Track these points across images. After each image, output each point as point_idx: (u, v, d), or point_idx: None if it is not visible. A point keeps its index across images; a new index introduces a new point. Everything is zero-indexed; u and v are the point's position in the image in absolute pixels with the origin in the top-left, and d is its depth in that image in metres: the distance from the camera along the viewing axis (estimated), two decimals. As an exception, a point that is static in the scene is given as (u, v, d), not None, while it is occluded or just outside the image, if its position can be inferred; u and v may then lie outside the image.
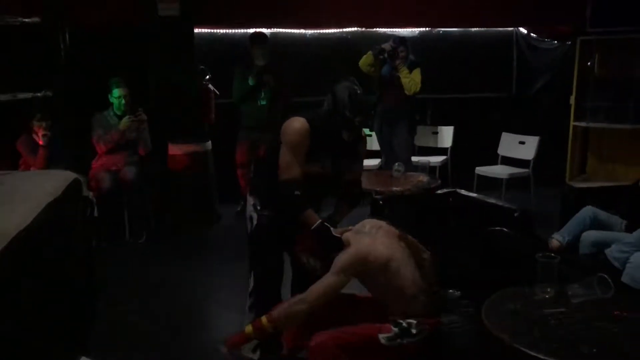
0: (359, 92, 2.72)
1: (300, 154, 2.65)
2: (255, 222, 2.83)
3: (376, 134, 5.86)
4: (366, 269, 2.32)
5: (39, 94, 2.94)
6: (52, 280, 2.46)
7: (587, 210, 3.45)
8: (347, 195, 2.93)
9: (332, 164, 2.74)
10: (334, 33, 6.66)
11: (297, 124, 2.69)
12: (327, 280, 2.30)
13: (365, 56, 5.53)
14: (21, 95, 2.90)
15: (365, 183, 4.33)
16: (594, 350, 1.81)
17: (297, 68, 6.37)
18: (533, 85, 6.92)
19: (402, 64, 5.42)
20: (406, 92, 5.43)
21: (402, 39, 5.63)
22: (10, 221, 2.14)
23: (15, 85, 2.98)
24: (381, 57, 5.45)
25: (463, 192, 3.70)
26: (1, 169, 3.28)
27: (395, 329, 2.17)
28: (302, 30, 6.58)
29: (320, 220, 2.61)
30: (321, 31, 6.61)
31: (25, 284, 2.10)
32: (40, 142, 4.54)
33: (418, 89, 5.46)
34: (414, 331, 2.16)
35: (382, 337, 2.18)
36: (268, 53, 5.43)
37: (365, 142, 2.96)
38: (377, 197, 3.68)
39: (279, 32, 6.45)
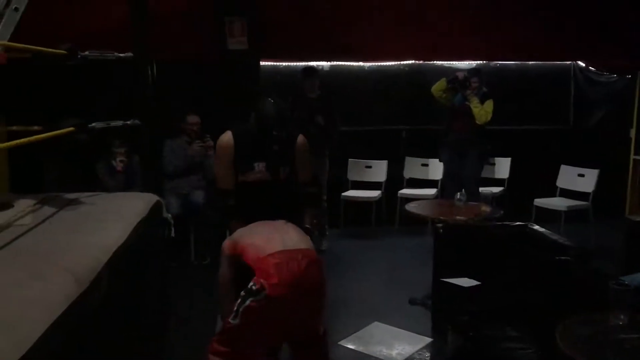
0: (280, 109, 3.08)
1: (225, 163, 3.03)
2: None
3: (444, 162, 5.90)
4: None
5: (128, 122, 3.18)
6: (138, 294, 2.65)
7: None
8: (306, 196, 3.16)
9: (267, 169, 3.02)
10: (392, 65, 6.84)
11: (223, 137, 3.06)
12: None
13: (438, 82, 5.60)
14: (113, 124, 3.15)
15: (426, 211, 4.46)
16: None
17: (355, 99, 6.58)
18: (591, 118, 6.91)
19: (473, 94, 5.48)
20: (477, 121, 5.46)
21: (476, 70, 5.71)
22: (110, 237, 2.35)
23: (107, 113, 3.24)
24: (452, 85, 5.51)
25: (536, 227, 3.70)
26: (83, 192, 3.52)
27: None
28: (361, 63, 6.78)
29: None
30: (379, 64, 6.80)
31: (119, 296, 2.29)
32: (118, 168, 4.85)
33: (489, 119, 5.48)
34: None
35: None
36: (317, 86, 5.61)
37: (303, 144, 3.14)
38: (438, 225, 3.75)
39: (338, 65, 6.68)
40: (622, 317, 2.08)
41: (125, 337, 2.35)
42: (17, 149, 3.07)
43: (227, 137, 3.05)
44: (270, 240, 2.52)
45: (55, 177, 5.47)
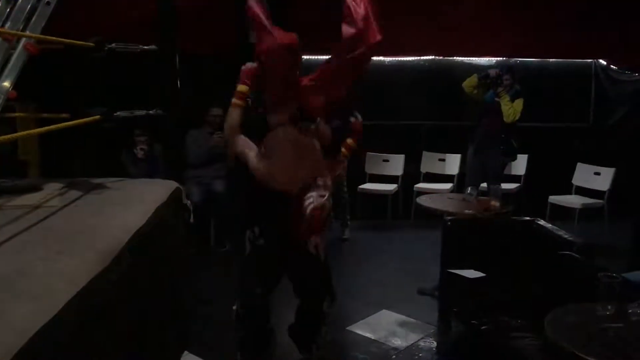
0: None
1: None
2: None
3: (469, 156, 5.96)
4: None
5: (152, 112, 3.35)
6: (159, 276, 2.81)
7: None
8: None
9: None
10: (412, 61, 6.91)
11: None
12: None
13: (469, 78, 5.63)
14: (137, 113, 3.31)
15: (437, 205, 4.55)
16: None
17: (375, 94, 6.67)
18: (611, 117, 6.90)
19: (505, 91, 5.51)
20: (505, 119, 5.50)
21: (509, 67, 5.74)
22: (131, 219, 2.51)
23: (131, 103, 3.41)
24: (484, 81, 5.54)
25: (541, 221, 3.78)
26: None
27: None
28: (381, 58, 6.86)
29: None
30: (399, 59, 6.87)
31: (140, 278, 2.44)
32: (139, 155, 5.04)
33: (517, 118, 5.51)
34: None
35: None
36: None
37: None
38: (446, 218, 3.86)
39: (359, 59, 6.77)
40: (609, 307, 2.18)
41: (145, 319, 2.51)
42: (47, 136, 3.27)
43: None
44: None
45: (83, 163, 5.69)
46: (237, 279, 2.98)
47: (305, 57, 6.59)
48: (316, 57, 6.53)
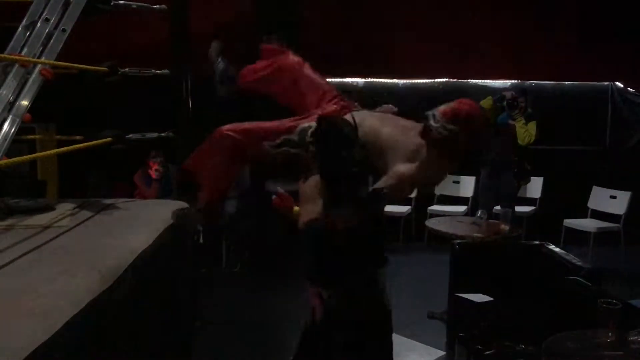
0: None
1: None
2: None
3: (482, 179, 5.95)
4: None
5: (163, 134, 3.42)
6: (163, 296, 2.85)
7: None
8: None
9: None
10: (426, 83, 6.95)
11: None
12: None
13: (484, 100, 5.60)
14: (149, 135, 3.39)
15: (447, 228, 4.55)
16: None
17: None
18: (629, 140, 6.84)
19: (520, 114, 5.52)
20: (519, 142, 5.49)
21: (523, 90, 5.75)
22: (137, 240, 2.56)
23: (143, 126, 3.49)
24: (500, 104, 5.54)
25: (550, 245, 3.76)
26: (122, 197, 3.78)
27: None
28: (395, 80, 6.91)
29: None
30: (413, 81, 6.92)
31: (144, 298, 2.48)
32: (154, 176, 5.13)
33: (532, 141, 5.52)
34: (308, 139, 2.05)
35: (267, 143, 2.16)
36: None
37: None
38: (455, 242, 3.85)
39: (372, 82, 6.84)
40: (609, 334, 2.15)
41: (147, 338, 2.55)
42: (66, 158, 3.35)
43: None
44: None
45: (99, 184, 5.81)
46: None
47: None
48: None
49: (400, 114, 6.58)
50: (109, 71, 3.24)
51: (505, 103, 5.52)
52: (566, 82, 7.02)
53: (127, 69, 3.37)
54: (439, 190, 6.72)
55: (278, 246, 5.62)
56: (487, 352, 2.88)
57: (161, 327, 2.75)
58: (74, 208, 3.27)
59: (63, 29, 3.00)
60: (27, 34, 2.94)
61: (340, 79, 6.48)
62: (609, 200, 6.00)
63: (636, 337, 2.10)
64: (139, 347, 2.40)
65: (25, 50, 2.88)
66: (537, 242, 3.77)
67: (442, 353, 3.74)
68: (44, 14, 2.95)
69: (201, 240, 4.77)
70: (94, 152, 3.47)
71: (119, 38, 5.11)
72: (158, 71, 3.48)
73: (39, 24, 2.91)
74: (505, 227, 4.39)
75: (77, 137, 3.27)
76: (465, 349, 3.00)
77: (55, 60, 2.93)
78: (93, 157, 4.83)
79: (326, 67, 6.46)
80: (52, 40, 2.98)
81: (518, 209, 6.07)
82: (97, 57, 3.33)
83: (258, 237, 5.61)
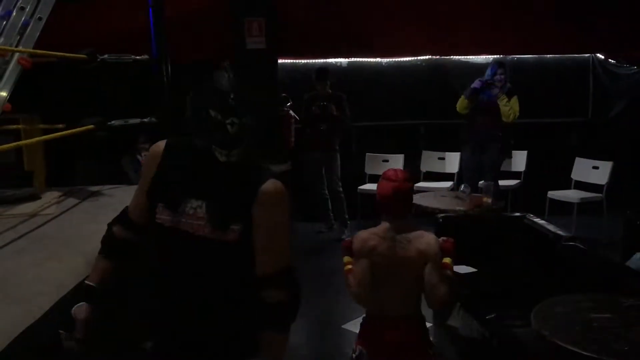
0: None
1: (141, 187, 1.79)
2: None
3: (465, 155, 5.96)
4: None
5: (145, 120, 3.44)
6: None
7: None
8: (266, 309, 1.66)
9: (209, 217, 1.64)
10: (409, 61, 6.97)
11: (154, 147, 1.80)
12: None
13: (460, 101, 5.61)
14: (131, 121, 3.41)
15: (430, 203, 4.61)
16: (626, 348, 2.00)
17: (373, 95, 6.75)
18: (610, 111, 6.90)
19: (501, 92, 5.52)
20: (504, 119, 5.52)
21: (500, 63, 5.72)
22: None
23: (126, 112, 3.51)
24: (474, 96, 5.52)
25: (531, 217, 3.83)
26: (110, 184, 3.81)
27: None
28: (378, 59, 6.93)
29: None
30: (396, 59, 6.94)
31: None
32: (142, 161, 5.15)
33: (517, 116, 5.54)
34: None
35: None
36: (329, 87, 5.89)
37: (274, 193, 1.68)
38: (440, 215, 3.91)
39: (356, 61, 6.86)
40: (598, 297, 2.24)
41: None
42: (52, 145, 3.36)
43: (153, 147, 1.81)
44: None
45: (86, 171, 5.81)
46: None
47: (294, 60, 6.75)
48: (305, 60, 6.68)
49: (386, 92, 6.54)
50: (88, 58, 3.25)
51: (480, 91, 5.47)
52: (547, 56, 7.05)
53: (106, 56, 3.38)
54: (424, 167, 6.79)
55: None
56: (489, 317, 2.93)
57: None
58: (60, 196, 3.30)
59: (39, 17, 3.00)
60: (3, 23, 2.94)
61: (324, 60, 6.49)
62: (592, 171, 6.07)
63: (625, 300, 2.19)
64: (125, 330, 2.45)
65: (1, 40, 2.88)
66: (518, 214, 3.85)
67: (428, 325, 3.81)
68: (18, 2, 2.95)
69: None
70: (81, 140, 3.50)
71: (97, 26, 5.08)
72: (137, 57, 3.49)
73: (14, 13, 2.91)
74: (487, 200, 4.46)
75: (60, 126, 3.29)
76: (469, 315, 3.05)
77: (33, 48, 2.94)
78: (81, 145, 4.83)
79: (309, 48, 6.53)
80: (28, 29, 2.98)
81: (503, 182, 6.14)
82: (76, 45, 3.34)
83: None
